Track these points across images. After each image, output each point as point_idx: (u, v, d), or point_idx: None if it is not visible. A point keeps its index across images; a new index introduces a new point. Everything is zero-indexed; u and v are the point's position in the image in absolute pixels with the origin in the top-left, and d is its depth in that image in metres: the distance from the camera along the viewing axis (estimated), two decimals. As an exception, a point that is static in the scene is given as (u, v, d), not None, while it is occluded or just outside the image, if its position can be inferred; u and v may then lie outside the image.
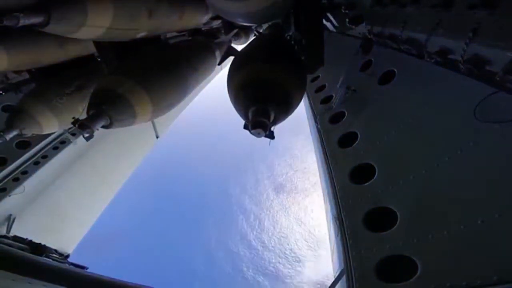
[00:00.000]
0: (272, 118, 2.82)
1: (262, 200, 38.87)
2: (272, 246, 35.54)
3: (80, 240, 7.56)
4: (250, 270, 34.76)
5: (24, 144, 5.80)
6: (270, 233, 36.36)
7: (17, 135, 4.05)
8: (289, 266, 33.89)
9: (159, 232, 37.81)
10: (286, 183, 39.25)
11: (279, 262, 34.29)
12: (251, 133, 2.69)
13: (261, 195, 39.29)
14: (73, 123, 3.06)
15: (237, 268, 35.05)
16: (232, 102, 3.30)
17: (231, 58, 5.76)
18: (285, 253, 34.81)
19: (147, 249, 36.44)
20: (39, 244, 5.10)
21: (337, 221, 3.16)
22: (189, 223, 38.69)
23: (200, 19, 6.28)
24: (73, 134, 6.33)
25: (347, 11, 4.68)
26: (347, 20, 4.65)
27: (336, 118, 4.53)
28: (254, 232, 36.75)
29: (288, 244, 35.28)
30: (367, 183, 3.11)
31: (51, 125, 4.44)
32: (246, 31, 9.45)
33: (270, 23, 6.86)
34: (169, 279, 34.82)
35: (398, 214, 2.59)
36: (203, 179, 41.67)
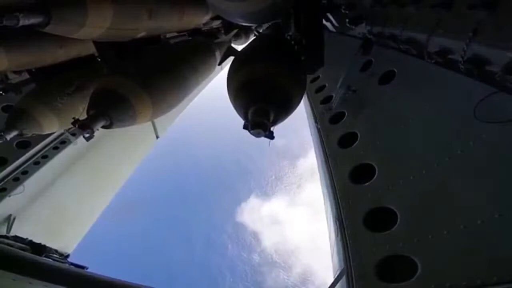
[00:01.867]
0: (271, 118, 2.82)
1: (266, 167, 47.85)
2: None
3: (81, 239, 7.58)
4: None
5: (24, 144, 5.80)
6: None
7: (17, 135, 4.04)
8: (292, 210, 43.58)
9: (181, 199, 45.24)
10: (285, 152, 47.10)
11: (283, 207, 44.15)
12: (251, 133, 2.69)
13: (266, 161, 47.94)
14: (73, 123, 3.06)
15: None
16: (232, 102, 3.30)
17: (231, 58, 5.76)
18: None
19: (170, 215, 43.25)
20: (39, 244, 5.09)
21: (337, 221, 3.15)
22: (207, 189, 46.23)
23: (200, 19, 6.28)
24: (73, 134, 6.32)
25: (347, 11, 4.67)
26: (347, 20, 4.65)
27: (336, 118, 4.53)
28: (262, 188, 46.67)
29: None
30: (367, 183, 3.11)
31: (52, 125, 4.44)
32: (246, 31, 9.45)
33: (270, 23, 6.86)
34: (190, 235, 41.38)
35: (398, 214, 2.59)
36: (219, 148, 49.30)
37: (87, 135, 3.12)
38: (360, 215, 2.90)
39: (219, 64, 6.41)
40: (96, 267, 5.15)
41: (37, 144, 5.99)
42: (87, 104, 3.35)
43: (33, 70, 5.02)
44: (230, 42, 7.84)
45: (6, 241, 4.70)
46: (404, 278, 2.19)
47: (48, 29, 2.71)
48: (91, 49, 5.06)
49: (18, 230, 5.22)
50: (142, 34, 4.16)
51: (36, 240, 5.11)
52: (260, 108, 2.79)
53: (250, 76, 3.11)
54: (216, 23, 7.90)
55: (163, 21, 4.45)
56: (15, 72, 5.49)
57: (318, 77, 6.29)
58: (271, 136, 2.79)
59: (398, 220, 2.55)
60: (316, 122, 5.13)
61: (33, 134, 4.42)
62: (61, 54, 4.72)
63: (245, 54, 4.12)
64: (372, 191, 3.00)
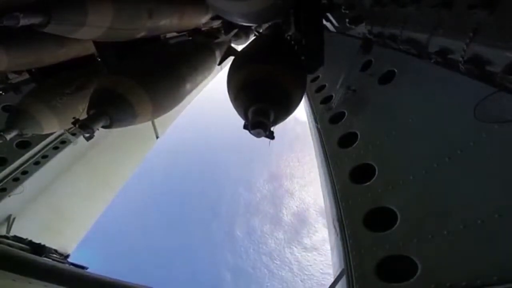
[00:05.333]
0: (272, 118, 2.82)
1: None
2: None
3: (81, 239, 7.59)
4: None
5: (24, 144, 5.80)
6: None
7: (17, 135, 4.04)
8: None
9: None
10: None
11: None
12: (251, 133, 2.69)
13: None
14: (74, 123, 3.06)
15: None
16: (232, 102, 3.30)
17: (231, 58, 5.76)
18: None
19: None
20: (39, 244, 5.10)
21: (337, 221, 3.16)
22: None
23: (200, 19, 6.28)
24: (74, 134, 6.31)
25: (347, 11, 4.67)
26: (347, 20, 4.65)
27: (336, 118, 4.53)
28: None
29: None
30: (367, 183, 3.11)
31: (51, 125, 4.44)
32: (246, 31, 9.43)
33: (270, 23, 6.86)
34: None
35: (398, 214, 2.59)
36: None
37: (87, 135, 3.12)
38: (360, 215, 2.90)
39: (219, 64, 6.41)
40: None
41: (37, 144, 5.99)
42: (87, 104, 3.35)
43: (33, 70, 5.02)
44: (230, 42, 7.84)
45: (6, 241, 4.70)
46: (404, 278, 2.19)
47: (48, 29, 2.70)
48: (91, 49, 5.06)
49: (18, 230, 5.22)
50: (142, 34, 4.16)
51: (36, 240, 5.12)
52: (260, 108, 2.79)
53: (250, 76, 3.11)
54: (216, 23, 7.90)
55: (163, 21, 4.45)
56: (15, 72, 5.49)
57: (318, 77, 6.30)
58: (271, 136, 2.79)
59: (398, 220, 2.55)
60: (316, 122, 5.13)
61: (33, 134, 4.43)
62: (61, 54, 4.72)
63: (245, 54, 4.12)
64: (372, 191, 3.00)
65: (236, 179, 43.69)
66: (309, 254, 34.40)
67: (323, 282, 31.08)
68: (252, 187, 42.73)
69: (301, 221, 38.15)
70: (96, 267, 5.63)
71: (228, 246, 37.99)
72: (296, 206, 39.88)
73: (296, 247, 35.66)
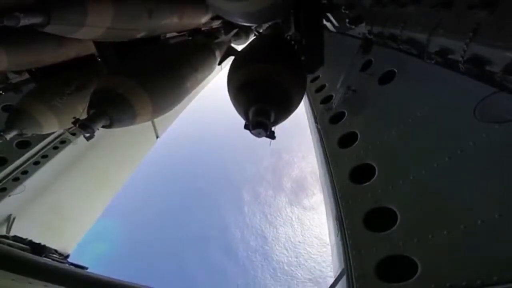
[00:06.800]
0: (272, 118, 2.82)
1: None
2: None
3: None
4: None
5: (24, 144, 5.80)
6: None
7: (17, 135, 4.04)
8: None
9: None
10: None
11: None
12: (252, 133, 2.70)
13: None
14: (74, 123, 3.06)
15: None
16: (232, 102, 3.30)
17: (231, 58, 5.76)
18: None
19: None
20: (39, 244, 5.09)
21: (337, 221, 3.16)
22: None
23: (200, 19, 6.27)
24: (73, 134, 6.32)
25: (347, 11, 4.68)
26: (347, 20, 4.66)
27: (336, 118, 4.53)
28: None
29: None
30: (367, 183, 3.11)
31: (51, 125, 4.44)
32: (246, 31, 9.44)
33: (270, 23, 6.86)
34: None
35: (398, 214, 2.59)
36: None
37: (87, 135, 3.12)
38: (360, 215, 2.90)
39: (219, 64, 6.40)
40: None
41: (37, 144, 5.99)
42: (87, 104, 3.35)
43: (33, 70, 5.02)
44: (230, 42, 7.83)
45: (6, 241, 4.70)
46: (404, 278, 2.19)
47: (48, 29, 2.70)
48: (91, 49, 5.06)
49: (18, 230, 5.22)
50: (142, 34, 4.16)
51: (36, 240, 5.11)
52: (261, 108, 2.79)
53: (250, 76, 3.11)
54: (216, 23, 7.89)
55: (163, 21, 4.45)
56: (15, 72, 5.49)
57: (318, 77, 6.30)
58: (272, 136, 2.79)
59: (398, 220, 2.55)
60: (316, 122, 5.13)
61: (33, 134, 4.43)
62: (61, 54, 4.72)
63: (245, 54, 4.12)
64: (372, 191, 3.00)
65: (241, 156, 47.34)
66: (308, 213, 40.39)
67: (321, 236, 35.83)
68: (255, 161, 47.19)
69: (300, 186, 43.55)
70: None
71: (237, 208, 43.14)
72: (295, 174, 45.09)
73: (296, 207, 41.70)
